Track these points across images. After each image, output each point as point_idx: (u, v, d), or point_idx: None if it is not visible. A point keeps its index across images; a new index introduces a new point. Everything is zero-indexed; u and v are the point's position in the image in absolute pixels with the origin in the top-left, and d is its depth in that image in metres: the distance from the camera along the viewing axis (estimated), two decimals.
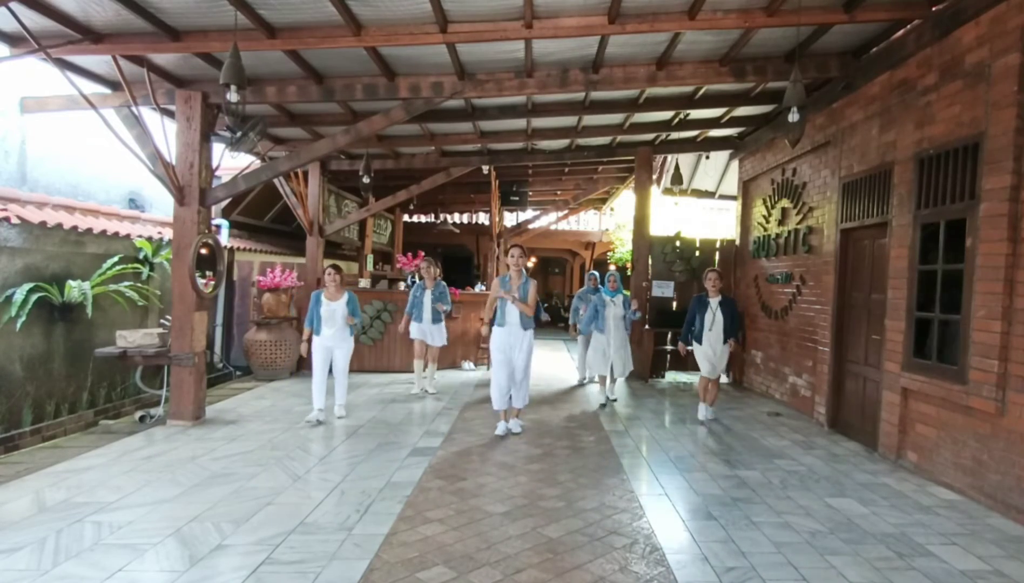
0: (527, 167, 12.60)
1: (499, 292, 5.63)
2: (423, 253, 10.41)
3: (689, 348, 6.66)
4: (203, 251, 6.02)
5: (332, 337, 6.12)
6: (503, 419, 5.82)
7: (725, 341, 6.31)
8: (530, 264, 20.68)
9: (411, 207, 15.65)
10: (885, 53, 5.45)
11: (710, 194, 11.75)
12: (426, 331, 7.73)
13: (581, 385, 8.75)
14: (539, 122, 8.27)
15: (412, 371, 8.04)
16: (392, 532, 3.54)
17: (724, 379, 6.60)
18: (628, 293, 8.25)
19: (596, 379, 7.89)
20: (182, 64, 5.72)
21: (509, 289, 5.56)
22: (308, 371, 9.20)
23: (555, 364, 10.97)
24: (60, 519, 3.61)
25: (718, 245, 9.68)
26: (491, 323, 5.78)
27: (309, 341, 6.18)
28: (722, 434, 6.05)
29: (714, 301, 6.32)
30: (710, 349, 6.32)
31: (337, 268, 6.18)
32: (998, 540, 3.64)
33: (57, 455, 5.00)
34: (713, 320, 6.27)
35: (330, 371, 6.27)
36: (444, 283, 8.02)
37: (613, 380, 7.57)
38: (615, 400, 7.50)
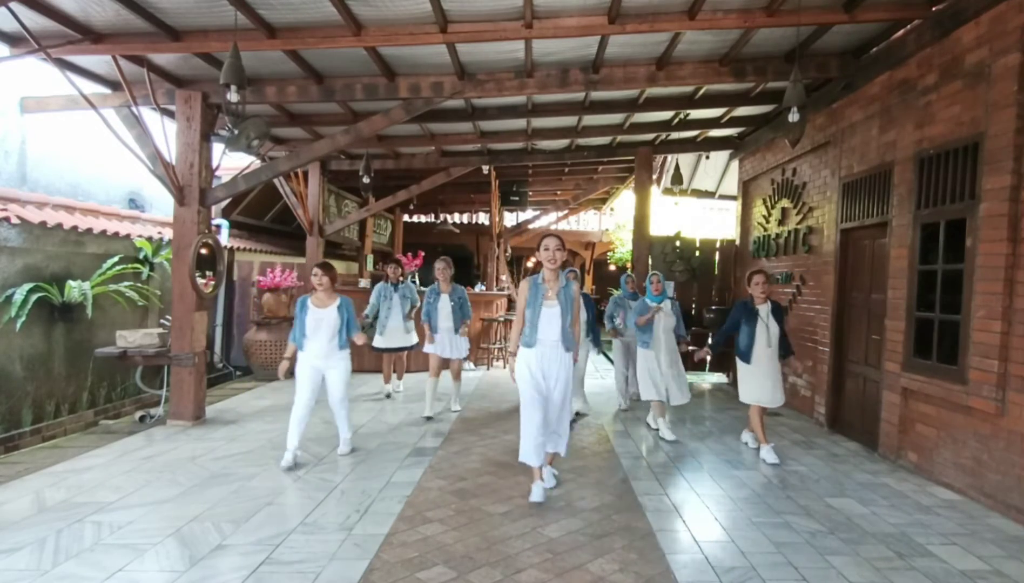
0: (527, 167, 12.60)
1: (532, 293, 4.10)
2: (423, 252, 10.39)
3: (706, 354, 5.70)
4: (203, 251, 6.02)
5: (320, 355, 4.81)
6: (537, 477, 4.14)
7: (783, 356, 5.20)
8: (530, 264, 20.66)
9: (411, 207, 15.64)
10: (885, 53, 5.45)
11: (710, 194, 11.75)
12: (445, 343, 6.51)
13: (624, 411, 7.03)
14: (539, 122, 8.26)
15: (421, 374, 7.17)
16: (392, 532, 3.54)
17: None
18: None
19: (651, 406, 6.26)
20: (182, 64, 5.72)
21: (543, 293, 4.09)
22: None
23: None
24: (60, 519, 3.61)
25: (718, 245, 9.69)
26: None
27: (292, 360, 4.88)
28: (721, 434, 6.05)
29: (763, 309, 5.12)
30: (768, 370, 5.09)
31: (326, 267, 4.92)
32: (998, 540, 3.64)
33: (57, 455, 5.00)
34: (768, 334, 5.07)
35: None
36: (462, 288, 6.81)
37: (668, 409, 5.98)
38: (675, 440, 5.66)
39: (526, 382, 4.07)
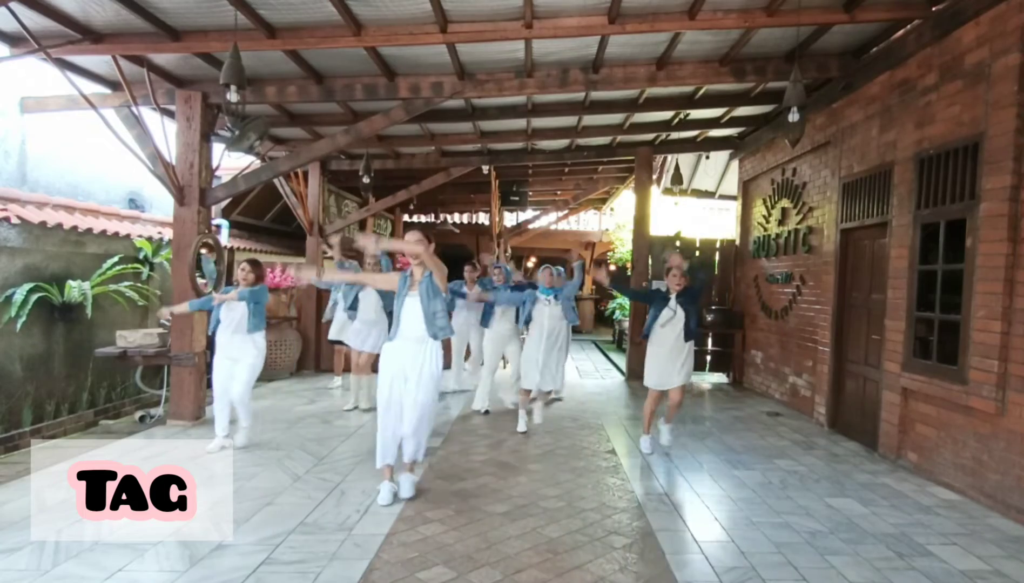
0: (527, 167, 12.60)
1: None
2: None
3: (603, 277, 5.63)
4: (203, 251, 6.02)
5: (231, 345, 4.99)
6: (387, 477, 4.05)
7: (688, 339, 5.03)
8: (530, 264, 20.67)
9: (411, 207, 15.63)
10: (885, 53, 5.45)
11: (710, 194, 11.76)
12: (365, 335, 6.43)
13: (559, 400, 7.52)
14: (539, 122, 8.26)
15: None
16: (392, 532, 3.54)
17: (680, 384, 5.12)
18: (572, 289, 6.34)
19: (518, 397, 6.31)
20: (182, 64, 5.72)
21: (408, 285, 3.96)
22: (309, 371, 9.28)
23: None
24: (60, 519, 3.60)
25: (718, 245, 9.69)
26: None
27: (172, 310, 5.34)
28: (721, 434, 6.05)
29: (674, 298, 5.06)
30: (668, 355, 5.01)
31: (254, 264, 5.09)
32: (998, 540, 3.64)
33: (57, 455, 4.99)
34: (673, 318, 5.02)
35: None
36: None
37: (545, 398, 6.02)
38: (524, 431, 5.85)
39: (382, 382, 3.93)
